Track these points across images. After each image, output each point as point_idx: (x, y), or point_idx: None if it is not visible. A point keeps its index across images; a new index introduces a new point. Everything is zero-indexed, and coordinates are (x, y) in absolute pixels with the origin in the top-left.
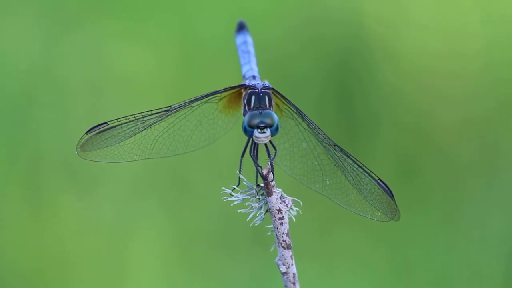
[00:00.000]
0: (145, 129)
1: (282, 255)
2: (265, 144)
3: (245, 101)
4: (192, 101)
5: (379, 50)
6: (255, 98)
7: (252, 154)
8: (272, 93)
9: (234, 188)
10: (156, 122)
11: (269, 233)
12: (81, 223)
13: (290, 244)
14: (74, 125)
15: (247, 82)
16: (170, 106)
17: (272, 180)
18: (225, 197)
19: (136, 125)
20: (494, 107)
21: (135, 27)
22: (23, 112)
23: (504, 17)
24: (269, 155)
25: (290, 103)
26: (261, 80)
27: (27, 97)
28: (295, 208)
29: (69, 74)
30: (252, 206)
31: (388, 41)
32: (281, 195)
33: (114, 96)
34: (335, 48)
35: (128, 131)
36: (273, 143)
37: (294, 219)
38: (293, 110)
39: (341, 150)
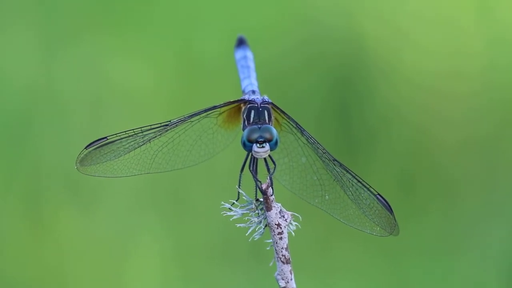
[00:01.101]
0: (144, 143)
1: (282, 269)
2: (265, 159)
3: (245, 115)
4: (192, 116)
5: (379, 68)
6: (254, 113)
7: (251, 168)
8: (272, 108)
9: (234, 203)
10: (156, 137)
11: (268, 248)
12: (81, 237)
13: (289, 258)
14: (73, 140)
15: (246, 97)
16: (170, 121)
17: (272, 195)
18: (224, 212)
19: (135, 140)
20: (493, 126)
21: (134, 42)
22: (23, 128)
23: (505, 37)
24: (268, 169)
25: (289, 118)
26: (261, 95)
27: (26, 112)
28: (294, 223)
29: (68, 89)
30: (252, 221)
31: (388, 60)
32: (281, 209)
33: (114, 110)
34: (335, 65)
35: (127, 145)
36: (272, 157)
37: (293, 233)
38: (292, 125)
39: (340, 165)
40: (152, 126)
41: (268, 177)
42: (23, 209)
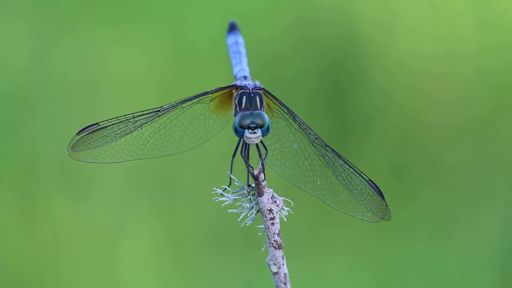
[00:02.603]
0: (136, 129)
1: (273, 255)
2: (256, 145)
3: (236, 101)
4: (183, 102)
5: (371, 52)
6: (246, 99)
7: (243, 154)
8: (263, 93)
9: (225, 188)
10: (147, 122)
11: (260, 233)
12: (74, 224)
13: (281, 244)
14: (67, 127)
15: (238, 83)
16: (161, 107)
17: (263, 181)
18: (216, 197)
19: (127, 126)
20: (485, 110)
21: (127, 30)
22: (17, 115)
23: (496, 21)
24: (260, 155)
25: (281, 103)
26: (252, 80)
27: (20, 99)
28: (286, 208)
29: (63, 76)
30: (243, 206)
31: (380, 44)
32: (272, 195)
33: (107, 97)
34: (327, 49)
35: (119, 131)
36: (264, 143)
37: (285, 219)
38: (284, 111)
39: (332, 150)
40: (144, 112)
41: (260, 163)
42: (17, 196)
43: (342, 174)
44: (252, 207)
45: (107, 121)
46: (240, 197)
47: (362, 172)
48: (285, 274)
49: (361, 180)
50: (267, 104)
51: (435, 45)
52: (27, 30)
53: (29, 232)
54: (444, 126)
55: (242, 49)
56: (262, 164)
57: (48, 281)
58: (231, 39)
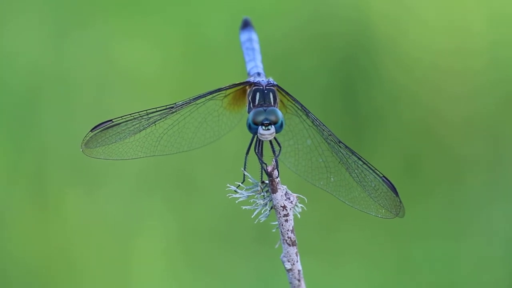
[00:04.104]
0: (149, 126)
1: (287, 251)
2: (270, 141)
3: (250, 98)
4: (197, 98)
5: (384, 46)
6: (259, 95)
7: (257, 151)
8: (277, 90)
9: (239, 185)
10: (161, 119)
11: (274, 230)
12: (86, 219)
13: (295, 240)
14: (80, 122)
15: (251, 79)
16: (175, 103)
17: (277, 177)
18: (230, 194)
19: (141, 122)
20: (498, 104)
21: (140, 24)
22: (30, 109)
23: (509, 14)
24: (273, 152)
25: (294, 100)
26: (266, 77)
27: (33, 93)
28: (300, 205)
29: (75, 71)
30: (257, 203)
31: (393, 38)
32: (286, 192)
33: (120, 93)
34: (340, 45)
35: (132, 128)
36: (278, 140)
37: (299, 215)
38: (297, 107)
39: (346, 147)
40: (158, 109)
41: (274, 160)
42: (29, 190)
43: (356, 171)
44: (266, 204)
45: (120, 118)
46: (254, 194)
47: (376, 169)
48: (299, 270)
49: (375, 177)
50: (281, 101)
51: (447, 39)
52: (41, 24)
53: (41, 224)
54: (458, 120)
55: (256, 46)
56: (276, 161)
57: (60, 274)
58: (244, 36)
